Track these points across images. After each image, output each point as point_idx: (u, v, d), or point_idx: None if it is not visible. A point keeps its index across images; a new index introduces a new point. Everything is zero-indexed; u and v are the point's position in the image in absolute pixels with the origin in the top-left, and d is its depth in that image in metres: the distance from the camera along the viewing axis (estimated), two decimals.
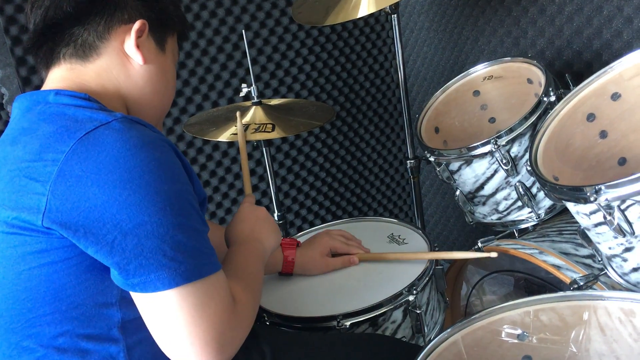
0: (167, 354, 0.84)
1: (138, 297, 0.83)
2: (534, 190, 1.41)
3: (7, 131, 0.93)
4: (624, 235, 0.98)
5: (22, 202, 0.81)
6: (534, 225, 1.47)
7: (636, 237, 0.98)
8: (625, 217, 0.96)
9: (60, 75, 0.94)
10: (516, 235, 1.50)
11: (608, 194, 0.95)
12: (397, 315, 1.25)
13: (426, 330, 1.29)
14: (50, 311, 0.84)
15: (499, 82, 1.63)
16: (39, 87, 1.78)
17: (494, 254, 1.27)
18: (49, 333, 0.84)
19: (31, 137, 0.85)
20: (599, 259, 1.15)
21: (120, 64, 0.96)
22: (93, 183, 0.78)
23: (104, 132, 0.81)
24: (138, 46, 0.95)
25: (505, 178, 1.41)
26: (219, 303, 0.84)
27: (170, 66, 1.05)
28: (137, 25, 0.95)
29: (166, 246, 0.80)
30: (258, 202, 2.19)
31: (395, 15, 1.69)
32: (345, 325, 1.19)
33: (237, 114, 1.53)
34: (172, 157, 0.85)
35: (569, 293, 0.97)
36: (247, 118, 1.60)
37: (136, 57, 0.96)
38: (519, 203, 1.43)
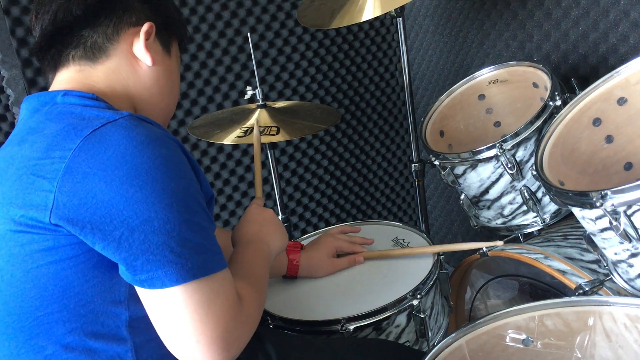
0: (173, 351, 0.85)
1: (145, 294, 0.83)
2: (539, 194, 1.41)
3: (14, 132, 0.94)
4: (630, 241, 0.98)
5: (30, 199, 0.81)
6: (539, 230, 1.46)
7: None
8: (631, 222, 0.95)
9: (69, 77, 0.96)
10: (521, 239, 1.49)
11: (614, 199, 0.94)
12: (401, 319, 1.24)
13: (430, 335, 1.28)
14: (58, 309, 0.84)
15: (505, 86, 1.63)
16: (44, 88, 1.78)
17: (499, 243, 1.26)
18: (57, 331, 0.85)
19: (38, 136, 0.86)
20: (605, 265, 1.15)
21: (129, 65, 0.97)
22: (100, 179, 0.79)
23: (111, 129, 0.82)
24: (147, 48, 0.97)
25: (511, 182, 1.41)
26: (225, 301, 0.85)
27: (175, 69, 1.07)
28: (145, 27, 0.97)
29: (173, 242, 0.80)
30: None
31: (401, 18, 1.69)
32: (349, 329, 1.19)
33: (255, 121, 1.55)
34: (178, 154, 0.86)
35: (574, 298, 0.97)
36: (251, 121, 1.60)
37: (145, 59, 0.98)
38: (524, 207, 1.43)
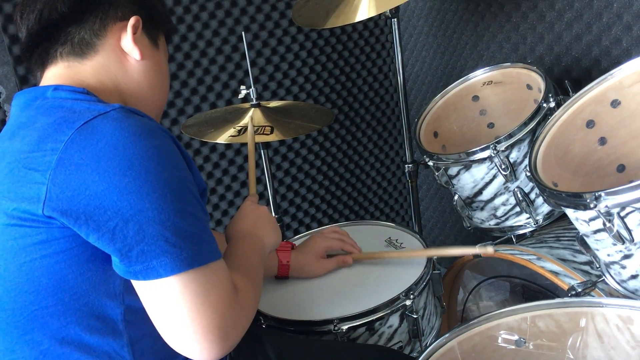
0: (170, 343, 0.84)
1: (140, 285, 0.83)
2: (532, 196, 1.41)
3: (6, 127, 0.94)
4: (623, 243, 0.98)
5: (22, 192, 0.81)
6: (531, 231, 1.47)
7: (635, 244, 0.98)
8: (625, 224, 0.96)
9: (59, 73, 0.95)
10: (514, 241, 1.50)
11: (608, 201, 0.95)
12: (394, 319, 1.24)
13: (423, 335, 1.28)
14: (53, 303, 0.83)
15: (499, 87, 1.63)
16: (36, 85, 1.76)
17: (490, 250, 1.25)
18: (52, 325, 0.84)
19: (29, 130, 0.85)
20: (597, 266, 1.15)
21: (117, 60, 0.97)
22: (93, 171, 0.79)
23: (103, 121, 0.82)
24: (135, 42, 0.97)
25: (504, 183, 1.41)
26: (220, 290, 0.85)
27: (164, 62, 1.07)
28: (132, 21, 0.97)
29: (167, 232, 0.80)
30: None
31: (395, 19, 1.69)
32: (342, 329, 1.18)
33: (249, 118, 1.55)
34: (170, 145, 0.85)
35: (566, 299, 0.97)
36: (245, 119, 1.60)
37: (133, 53, 0.97)
38: (517, 209, 1.43)
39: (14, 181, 0.82)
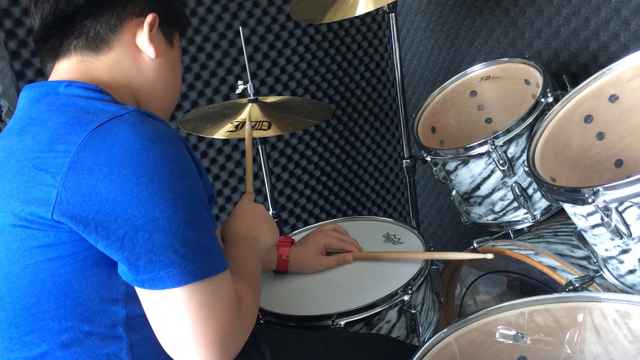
0: (169, 352, 0.84)
1: (145, 294, 0.82)
2: (530, 191, 1.41)
3: (13, 121, 0.92)
4: (621, 237, 0.98)
5: (32, 193, 0.80)
6: (529, 226, 1.47)
7: (633, 239, 0.98)
8: (623, 219, 0.96)
9: (71, 67, 0.93)
10: (511, 236, 1.50)
11: (606, 196, 0.95)
12: (392, 314, 1.24)
13: (421, 330, 1.28)
14: (54, 306, 0.83)
15: (496, 82, 1.63)
16: (32, 80, 1.76)
17: (489, 255, 1.26)
18: (52, 328, 0.83)
19: (41, 128, 0.84)
20: (595, 261, 1.15)
21: (132, 57, 0.96)
22: (105, 176, 0.78)
23: (117, 124, 0.80)
24: (150, 40, 0.95)
25: (502, 179, 1.41)
26: (225, 302, 0.84)
27: (178, 61, 1.05)
28: (149, 18, 0.95)
29: (177, 243, 0.79)
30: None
31: (393, 14, 1.69)
32: (340, 324, 1.18)
33: (247, 116, 1.55)
34: (184, 152, 0.84)
35: (564, 294, 0.97)
36: (243, 115, 1.59)
37: (148, 51, 0.96)
38: (515, 204, 1.43)
39: (24, 181, 0.81)
